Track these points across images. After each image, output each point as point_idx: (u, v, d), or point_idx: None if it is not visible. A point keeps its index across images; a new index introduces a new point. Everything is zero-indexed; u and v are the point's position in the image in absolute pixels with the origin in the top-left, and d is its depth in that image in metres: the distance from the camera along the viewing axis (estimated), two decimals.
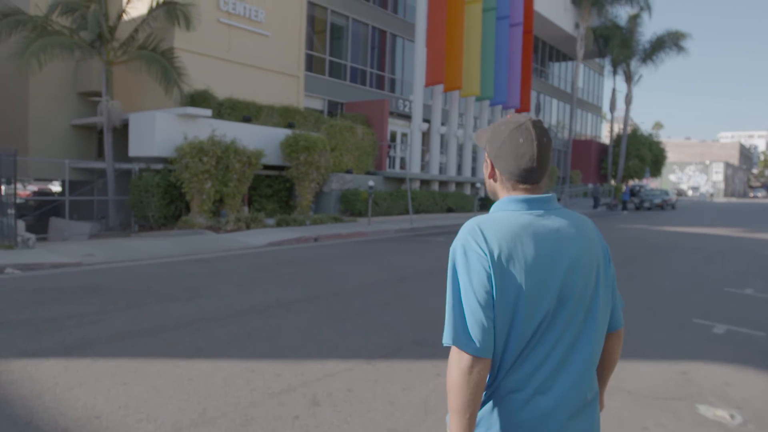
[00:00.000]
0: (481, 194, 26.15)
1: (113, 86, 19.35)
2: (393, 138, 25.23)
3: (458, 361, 1.46)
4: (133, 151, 16.47)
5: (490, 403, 1.54)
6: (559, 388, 1.51)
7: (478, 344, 1.45)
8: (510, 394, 1.51)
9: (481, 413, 1.55)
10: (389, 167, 24.47)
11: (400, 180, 22.09)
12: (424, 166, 25.29)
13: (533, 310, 1.49)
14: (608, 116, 57.53)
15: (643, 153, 43.52)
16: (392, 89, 27.99)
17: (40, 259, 9.85)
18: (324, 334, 5.52)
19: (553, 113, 43.85)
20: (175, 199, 15.99)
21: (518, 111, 28.20)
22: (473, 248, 1.50)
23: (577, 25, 38.64)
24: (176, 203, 16.08)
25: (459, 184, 24.90)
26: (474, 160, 26.42)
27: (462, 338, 1.46)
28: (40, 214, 25.73)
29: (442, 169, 25.13)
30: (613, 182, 44.77)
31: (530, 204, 1.57)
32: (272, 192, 18.59)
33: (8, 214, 11.19)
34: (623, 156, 42.78)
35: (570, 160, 39.89)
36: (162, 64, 16.50)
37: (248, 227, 15.46)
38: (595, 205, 33.40)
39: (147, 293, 7.22)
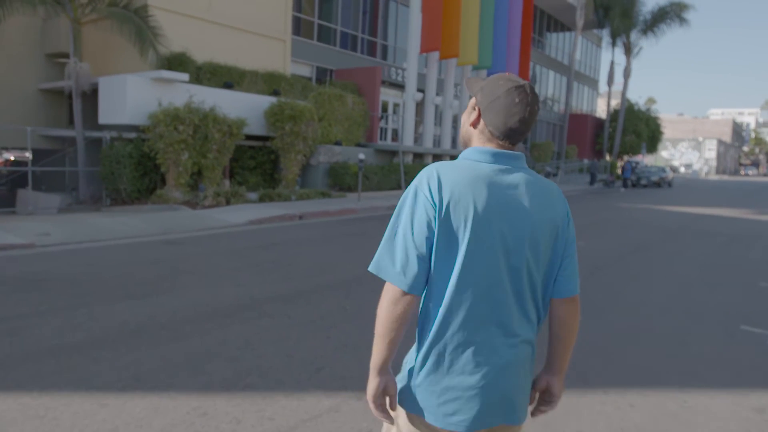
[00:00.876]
0: None
1: (83, 47, 17.84)
2: (385, 108, 23.91)
3: (386, 291, 1.54)
4: (103, 119, 15.14)
5: (431, 351, 1.57)
6: (485, 343, 1.56)
7: (405, 279, 1.50)
8: (449, 346, 1.56)
9: (424, 359, 1.59)
10: (381, 139, 23.23)
11: (393, 153, 20.91)
12: (418, 138, 24.08)
13: (473, 260, 1.52)
14: (603, 89, 56.42)
15: (640, 128, 42.45)
16: (384, 57, 26.57)
17: None
18: (304, 349, 4.43)
19: (549, 86, 42.55)
20: (149, 171, 14.74)
21: None
22: (424, 192, 1.54)
23: None
24: (150, 175, 14.83)
25: (453, 157, 23.72)
26: None
27: (391, 271, 1.52)
28: (11, 185, 24.37)
29: (436, 141, 23.92)
30: (608, 158, 43.80)
31: (496, 157, 1.60)
32: (255, 164, 17.36)
33: None
34: (620, 131, 41.71)
35: (566, 135, 38.73)
36: (136, 23, 15.06)
37: (228, 203, 14.27)
38: (592, 182, 32.41)
39: (95, 287, 6.08)
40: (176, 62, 15.93)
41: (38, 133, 18.61)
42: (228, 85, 16.59)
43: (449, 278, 1.53)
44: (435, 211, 1.51)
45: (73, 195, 17.07)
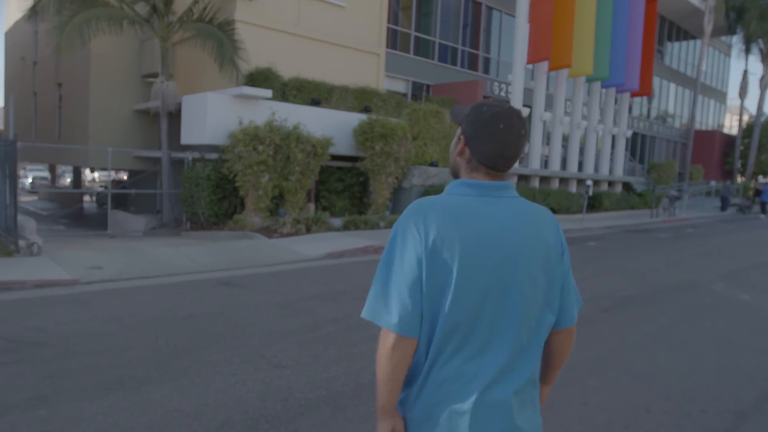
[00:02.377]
0: (590, 192, 22.35)
1: (174, 66, 17.50)
2: None
3: (384, 337, 1.52)
4: (185, 139, 14.37)
5: (425, 387, 1.54)
6: (484, 377, 1.51)
7: (400, 323, 1.48)
8: (442, 373, 1.52)
9: (416, 394, 1.56)
10: None
11: None
12: (523, 158, 21.83)
13: (463, 297, 1.49)
14: (731, 103, 51.07)
15: None
16: (486, 70, 24.65)
17: (29, 274, 7.66)
18: None
19: (670, 99, 38.59)
20: (228, 194, 13.72)
21: (636, 95, 24.03)
22: (411, 230, 1.51)
23: None
24: (230, 199, 13.81)
25: (563, 181, 21.26)
26: (581, 152, 22.59)
27: (386, 317, 1.50)
28: (115, 204, 24.75)
29: (544, 162, 21.56)
30: (739, 179, 38.96)
31: (481, 190, 1.58)
32: (343, 187, 15.97)
33: (8, 215, 9.15)
34: (755, 149, 36.93)
35: (690, 154, 34.65)
36: (218, 37, 14.24)
37: (308, 230, 12.89)
38: (724, 207, 28.41)
39: (86, 363, 4.58)
40: (261, 78, 14.95)
41: (134, 154, 18.44)
42: (315, 102, 15.38)
43: (439, 317, 1.51)
44: (423, 250, 1.49)
45: (159, 218, 16.51)
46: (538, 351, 1.60)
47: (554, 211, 19.80)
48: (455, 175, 1.68)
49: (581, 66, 19.28)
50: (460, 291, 1.48)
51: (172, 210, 15.93)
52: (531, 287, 1.54)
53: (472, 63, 23.89)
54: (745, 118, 41.91)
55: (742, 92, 37.91)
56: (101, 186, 31.50)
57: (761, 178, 40.41)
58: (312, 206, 14.97)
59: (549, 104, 21.92)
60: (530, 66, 19.48)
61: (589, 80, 21.19)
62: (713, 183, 36.83)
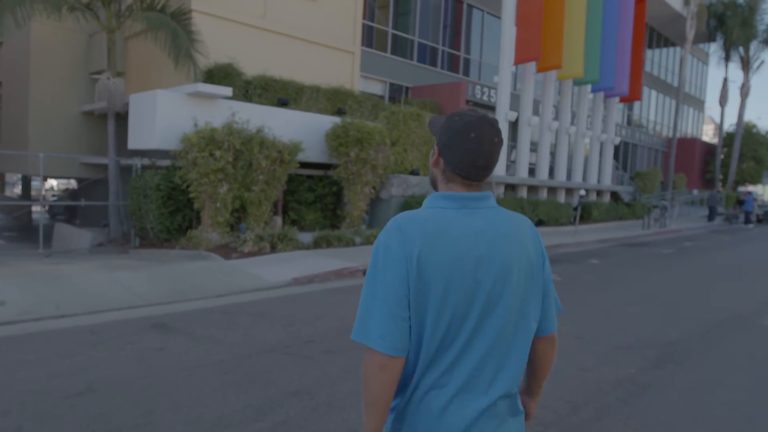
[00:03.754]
0: (580, 203, 21.06)
1: (127, 64, 15.71)
2: None
3: (371, 358, 1.48)
4: (133, 143, 12.57)
5: (411, 400, 1.54)
6: (469, 392, 1.51)
7: (390, 344, 1.46)
8: (429, 392, 1.51)
9: (403, 409, 1.55)
10: None
11: None
12: (509, 166, 20.44)
13: (447, 309, 1.48)
14: (708, 112, 50.83)
15: (760, 154, 36.92)
16: (467, 73, 23.25)
17: None
18: None
19: (651, 107, 37.80)
20: (182, 206, 11.95)
21: (624, 99, 22.88)
22: (392, 248, 1.49)
23: (687, 1, 32.53)
24: (184, 212, 12.03)
25: (551, 190, 19.91)
26: (570, 159, 21.25)
27: (374, 337, 1.47)
28: (67, 216, 22.64)
29: (532, 170, 20.16)
30: (720, 188, 38.33)
31: (460, 202, 1.56)
32: (314, 198, 14.30)
33: None
34: (736, 158, 36.30)
35: (674, 163, 33.75)
36: (171, 28, 12.48)
37: (273, 248, 11.19)
38: (711, 217, 27.45)
39: None
40: (221, 75, 13.24)
41: (80, 160, 16.54)
42: (282, 102, 13.71)
43: (424, 333, 1.50)
44: (406, 267, 1.48)
45: (106, 233, 14.61)
46: (523, 359, 1.59)
47: (543, 223, 18.43)
48: (434, 186, 1.67)
49: (571, 68, 17.97)
50: (444, 306, 1.48)
51: (120, 224, 14.06)
52: (514, 297, 1.54)
53: (453, 64, 22.48)
54: (711, 127, 41.41)
55: (723, 100, 37.34)
56: (54, 195, 29.19)
57: (741, 188, 39.90)
58: (279, 219, 13.27)
59: (536, 109, 20.60)
60: (515, 68, 18.09)
61: (578, 83, 19.92)
62: (696, 192, 36.10)
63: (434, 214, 1.53)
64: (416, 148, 15.47)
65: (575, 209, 19.31)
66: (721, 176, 38.39)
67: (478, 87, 21.88)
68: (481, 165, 1.54)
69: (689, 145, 38.69)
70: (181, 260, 10.34)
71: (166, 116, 11.63)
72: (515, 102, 19.23)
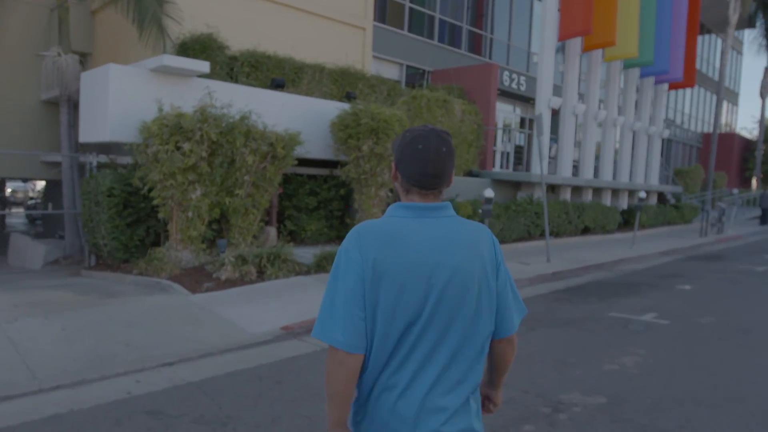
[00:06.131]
0: (625, 206, 18.14)
1: (95, 43, 13.03)
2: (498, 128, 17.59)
3: (332, 354, 1.59)
4: (84, 134, 9.87)
5: (371, 396, 1.63)
6: (420, 389, 1.59)
7: (347, 340, 1.56)
8: (385, 389, 1.61)
9: (363, 403, 1.66)
10: (497, 166, 16.93)
11: (515, 185, 14.56)
12: (550, 163, 17.53)
13: (399, 311, 1.57)
14: (743, 103, 47.77)
15: None
16: (491, 56, 20.35)
17: None
18: None
19: (687, 100, 34.75)
20: (144, 217, 9.17)
21: (676, 86, 19.92)
22: (351, 253, 1.59)
23: None
24: (148, 223, 9.25)
25: (596, 191, 17.01)
26: (617, 151, 18.23)
27: (333, 335, 1.57)
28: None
29: (576, 169, 17.21)
30: (757, 186, 35.24)
31: (417, 211, 1.65)
32: (317, 203, 11.49)
33: None
34: None
35: (714, 159, 30.61)
36: None
37: (261, 273, 8.37)
38: (764, 220, 24.42)
39: None
40: (198, 48, 10.45)
41: (41, 158, 13.83)
42: (277, 84, 10.90)
43: (376, 333, 1.59)
44: (363, 271, 1.57)
45: (62, 246, 11.87)
46: (477, 360, 1.67)
47: (588, 230, 15.53)
48: (398, 198, 1.75)
49: (624, 46, 15.06)
50: (397, 308, 1.57)
51: (78, 237, 11.33)
52: (467, 301, 1.62)
53: (475, 46, 19.60)
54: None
55: (765, 91, 34.21)
56: (32, 198, 26.44)
57: None
58: (273, 231, 10.48)
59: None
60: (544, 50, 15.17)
61: (628, 66, 17.01)
62: (735, 191, 33.06)
63: (392, 222, 1.63)
64: None
65: (634, 214, 16.42)
66: (761, 174, 35.29)
67: (506, 73, 19.00)
68: (431, 173, 1.64)
69: (727, 140, 35.64)
70: (133, 292, 7.55)
71: (122, 99, 8.86)
72: (555, 90, 16.33)
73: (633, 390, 4.57)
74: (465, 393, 1.63)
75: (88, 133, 9.58)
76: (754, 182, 36.63)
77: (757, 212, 28.45)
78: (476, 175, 14.01)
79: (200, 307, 6.64)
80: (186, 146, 8.24)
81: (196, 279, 8.02)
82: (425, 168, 1.62)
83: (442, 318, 1.58)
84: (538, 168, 14.55)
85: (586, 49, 14.97)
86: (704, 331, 6.51)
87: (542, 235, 13.84)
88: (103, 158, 10.08)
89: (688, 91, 34.49)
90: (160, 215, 8.75)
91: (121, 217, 8.90)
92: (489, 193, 9.35)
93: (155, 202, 8.62)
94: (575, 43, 15.02)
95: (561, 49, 17.02)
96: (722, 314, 7.44)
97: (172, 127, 8.21)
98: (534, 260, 11.01)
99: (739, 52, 40.82)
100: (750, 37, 35.99)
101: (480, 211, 11.18)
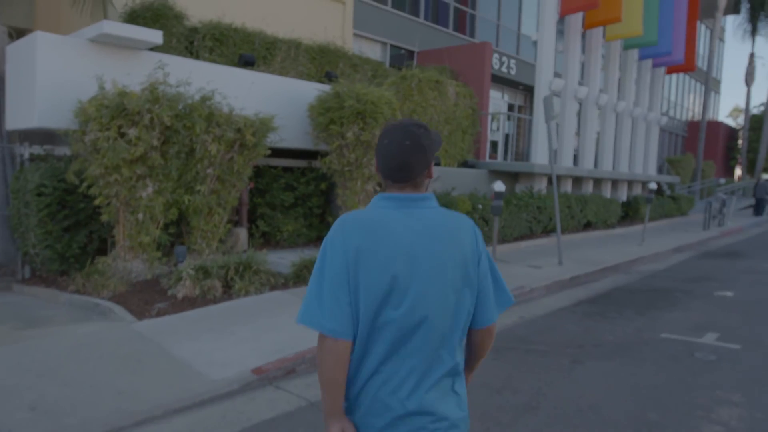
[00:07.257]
0: (624, 197, 16.98)
1: (35, 12, 11.29)
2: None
3: (321, 342, 1.59)
4: (12, 120, 8.19)
5: (358, 387, 1.63)
6: (402, 377, 1.60)
7: (333, 327, 1.55)
8: (372, 375, 1.61)
9: (354, 394, 1.65)
10: (488, 156, 15.52)
11: (513, 176, 13.21)
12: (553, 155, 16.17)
13: (384, 302, 1.57)
14: (725, 91, 47.33)
15: None
16: (477, 36, 18.94)
17: None
18: None
19: (672, 86, 33.86)
20: (85, 220, 7.55)
21: (675, 69, 18.79)
22: (336, 242, 1.60)
23: None
24: (90, 228, 7.62)
25: (596, 182, 15.77)
26: (616, 139, 16.92)
27: (320, 321, 1.57)
28: None
29: (576, 159, 15.90)
30: (739, 175, 34.63)
31: (400, 202, 1.66)
32: (294, 199, 9.95)
33: None
34: (766, 142, 32.56)
35: (703, 148, 29.76)
36: None
37: (228, 288, 6.83)
38: (759, 210, 23.54)
39: None
40: (149, 17, 8.80)
41: None
42: (246, 61, 9.33)
43: (365, 321, 1.59)
44: (347, 260, 1.57)
45: None
46: (456, 346, 1.67)
47: (590, 225, 14.29)
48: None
49: (628, 24, 13.77)
50: (381, 296, 1.57)
51: (12, 242, 9.61)
52: (446, 290, 1.61)
53: (460, 24, 18.14)
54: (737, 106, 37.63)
55: (749, 78, 33.53)
56: None
57: (766, 176, 36.28)
58: (243, 233, 8.95)
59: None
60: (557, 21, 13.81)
61: (628, 46, 15.76)
62: (722, 180, 32.35)
63: (376, 212, 1.64)
64: (436, 126, 11.19)
65: (645, 199, 15.17)
66: (747, 163, 34.68)
67: (495, 55, 17.61)
68: (395, 167, 1.65)
69: (712, 128, 34.90)
70: (63, 318, 5.96)
71: (53, 75, 7.23)
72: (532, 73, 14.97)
73: None
74: (448, 380, 1.65)
75: (15, 119, 7.91)
76: (737, 171, 36.10)
77: (748, 202, 27.71)
78: (472, 166, 12.60)
79: (146, 340, 5.10)
80: (132, 132, 6.65)
81: (145, 298, 6.46)
82: (390, 161, 1.66)
83: (423, 307, 1.58)
84: (538, 157, 13.22)
85: (588, 26, 13.64)
86: None
87: (544, 232, 12.52)
88: (36, 149, 8.41)
89: (674, 78, 33.62)
90: (104, 217, 7.14)
91: (55, 220, 7.26)
92: (499, 186, 7.98)
93: (97, 201, 7.03)
94: (576, 20, 13.69)
95: (559, 30, 15.69)
96: None
97: (113, 108, 6.61)
98: (544, 262, 9.67)
99: (722, 40, 40.12)
100: (735, 23, 35.20)
101: (480, 206, 9.81)
